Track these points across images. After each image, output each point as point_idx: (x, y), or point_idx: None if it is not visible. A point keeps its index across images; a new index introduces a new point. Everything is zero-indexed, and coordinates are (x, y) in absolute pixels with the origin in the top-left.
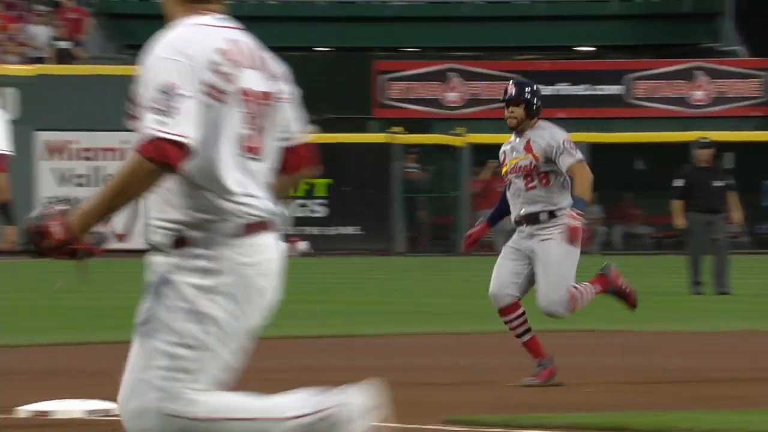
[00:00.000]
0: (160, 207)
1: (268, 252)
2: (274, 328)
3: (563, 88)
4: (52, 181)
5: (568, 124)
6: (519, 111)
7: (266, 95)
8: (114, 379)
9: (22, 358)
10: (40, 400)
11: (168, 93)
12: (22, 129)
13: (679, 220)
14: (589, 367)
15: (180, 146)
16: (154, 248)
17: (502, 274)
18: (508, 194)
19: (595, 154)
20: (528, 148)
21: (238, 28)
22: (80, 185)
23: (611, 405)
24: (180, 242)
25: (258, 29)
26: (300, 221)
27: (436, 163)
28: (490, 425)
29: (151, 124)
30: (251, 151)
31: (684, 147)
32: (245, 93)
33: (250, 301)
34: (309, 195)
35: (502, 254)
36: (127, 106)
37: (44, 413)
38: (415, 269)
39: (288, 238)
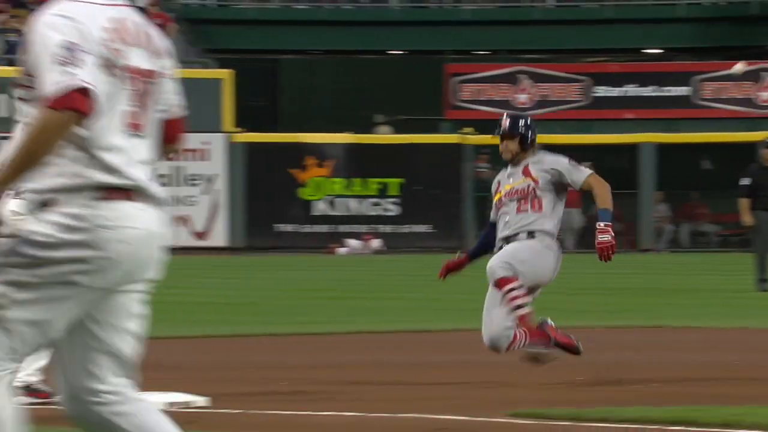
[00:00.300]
0: (36, 177)
1: (133, 221)
2: (347, 324)
3: (631, 90)
4: None
5: (635, 125)
6: (513, 145)
7: (150, 73)
8: (194, 373)
9: None
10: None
11: (70, 49)
12: None
13: (747, 218)
14: (656, 362)
15: (89, 94)
16: (23, 215)
17: (493, 323)
18: (498, 220)
19: (663, 154)
20: (526, 171)
21: (124, 5)
22: (163, 185)
23: (677, 399)
24: (44, 204)
25: (334, 33)
26: (373, 219)
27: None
28: (558, 419)
29: (59, 75)
30: (134, 127)
31: (750, 147)
32: (131, 71)
33: (104, 262)
34: (382, 194)
35: (488, 297)
36: (17, 78)
37: None
38: (483, 267)
39: (362, 236)
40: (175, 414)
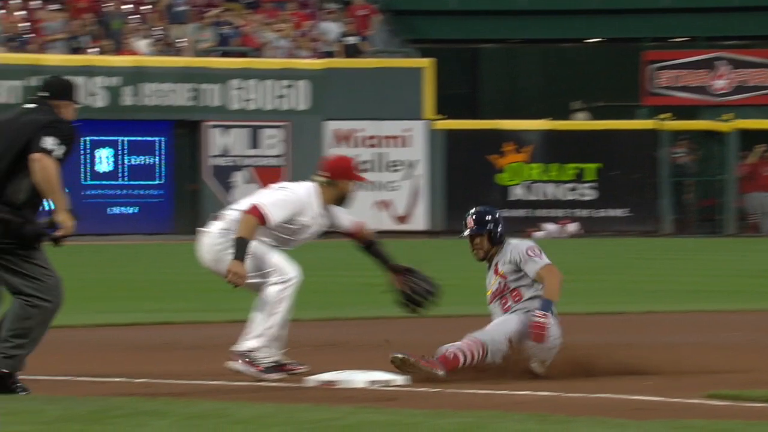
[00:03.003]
0: None
1: None
2: None
3: None
4: None
5: None
6: (483, 242)
7: None
8: (387, 352)
9: (308, 332)
10: (326, 371)
11: None
12: (312, 119)
13: None
14: None
15: None
16: None
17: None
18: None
19: None
20: (496, 270)
21: None
22: (365, 170)
23: None
24: None
25: (532, 22)
26: (570, 204)
27: (703, 148)
28: (754, 400)
29: None
30: None
31: None
32: None
33: None
34: (579, 179)
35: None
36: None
37: (331, 383)
38: (683, 250)
39: (559, 220)
40: (375, 392)
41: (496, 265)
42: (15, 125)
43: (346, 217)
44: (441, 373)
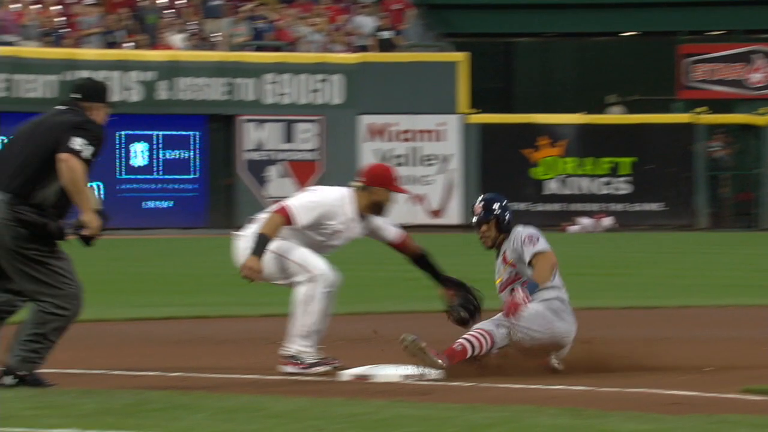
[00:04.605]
0: None
1: None
2: (579, 299)
3: None
4: (374, 161)
5: None
6: (490, 230)
7: None
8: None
9: (341, 326)
10: (360, 365)
11: None
12: (346, 113)
13: None
14: None
15: None
16: None
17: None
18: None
19: None
20: (504, 259)
21: None
22: (399, 165)
23: None
24: None
25: (567, 16)
26: (605, 198)
27: (739, 142)
28: None
29: None
30: None
31: None
32: None
33: None
34: (614, 173)
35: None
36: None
37: (364, 377)
38: (718, 244)
39: (594, 214)
40: (409, 386)
41: (504, 253)
42: (45, 127)
43: (390, 228)
44: (445, 365)
